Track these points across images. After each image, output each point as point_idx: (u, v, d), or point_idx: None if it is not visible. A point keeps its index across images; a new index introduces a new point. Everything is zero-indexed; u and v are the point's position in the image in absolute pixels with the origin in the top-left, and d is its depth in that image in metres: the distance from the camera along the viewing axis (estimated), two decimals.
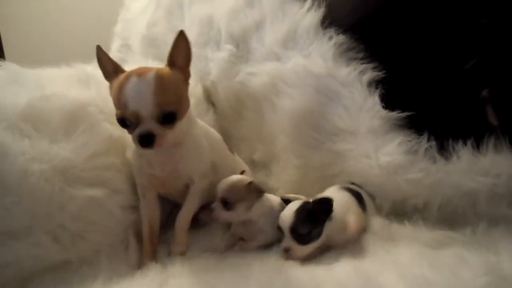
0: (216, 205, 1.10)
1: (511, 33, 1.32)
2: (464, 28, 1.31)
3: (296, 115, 1.36)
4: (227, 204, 1.09)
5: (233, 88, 1.54)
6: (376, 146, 1.23)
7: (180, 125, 1.01)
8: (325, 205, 1.01)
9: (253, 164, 1.55)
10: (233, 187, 1.11)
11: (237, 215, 1.11)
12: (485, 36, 1.31)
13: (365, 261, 1.01)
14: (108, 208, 1.08)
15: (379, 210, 1.24)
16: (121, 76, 0.97)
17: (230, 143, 1.61)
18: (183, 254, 1.09)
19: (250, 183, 1.11)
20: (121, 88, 0.95)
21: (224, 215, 1.10)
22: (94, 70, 1.37)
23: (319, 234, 1.02)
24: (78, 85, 1.23)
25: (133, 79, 0.94)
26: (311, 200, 1.06)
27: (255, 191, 1.12)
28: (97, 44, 1.04)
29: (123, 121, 0.97)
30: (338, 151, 1.31)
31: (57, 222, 0.97)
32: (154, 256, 1.10)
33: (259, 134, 1.51)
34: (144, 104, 0.92)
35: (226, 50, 1.56)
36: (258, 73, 1.46)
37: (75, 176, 1.03)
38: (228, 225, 1.23)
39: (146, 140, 0.94)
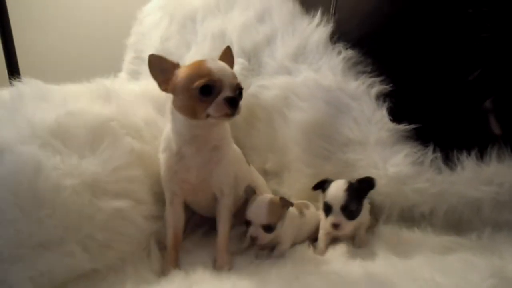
0: (257, 231, 1.14)
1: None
2: (467, 41, 1.37)
3: (307, 127, 1.42)
4: (270, 228, 1.15)
5: (245, 100, 1.55)
6: (384, 157, 1.29)
7: (220, 128, 1.14)
8: (369, 183, 1.18)
9: (265, 173, 1.60)
10: (272, 210, 1.15)
11: (277, 232, 1.17)
12: (489, 48, 1.37)
13: (377, 266, 1.08)
14: (132, 218, 1.14)
15: (388, 217, 1.31)
16: (193, 62, 1.10)
17: (243, 153, 1.68)
18: (229, 270, 1.13)
19: (281, 199, 1.18)
20: (201, 63, 1.07)
21: (267, 237, 1.16)
22: (112, 84, 1.45)
23: (360, 211, 1.19)
24: (99, 101, 1.29)
25: (211, 61, 1.09)
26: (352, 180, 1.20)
27: (285, 206, 1.18)
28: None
29: (206, 89, 1.03)
30: (348, 161, 1.37)
31: (86, 232, 1.03)
32: (177, 263, 1.16)
33: (271, 144, 1.56)
34: (226, 73, 1.07)
35: (238, 63, 1.60)
36: (270, 86, 1.52)
37: (102, 189, 1.08)
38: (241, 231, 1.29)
39: (234, 102, 1.03)
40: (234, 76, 1.10)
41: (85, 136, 1.13)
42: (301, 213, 1.31)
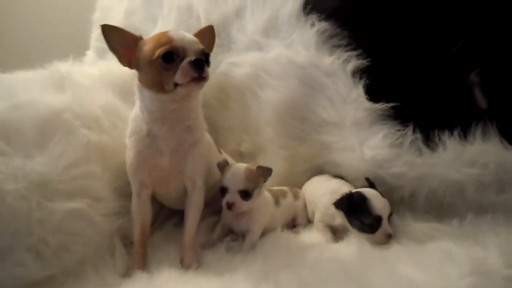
0: (234, 198, 1.10)
1: (501, 10, 1.28)
2: (450, 7, 1.26)
3: (280, 107, 1.33)
4: (246, 194, 1.11)
5: (216, 78, 1.49)
6: (360, 139, 1.20)
7: (192, 105, 1.09)
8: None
9: (241, 156, 1.53)
10: (249, 176, 1.12)
11: (253, 202, 1.13)
12: (474, 15, 1.26)
13: (351, 260, 1.02)
14: (90, 218, 1.06)
15: None
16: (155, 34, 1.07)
17: (217, 134, 1.59)
18: (197, 268, 1.07)
19: (259, 167, 1.14)
20: (163, 33, 1.03)
21: (244, 205, 1.12)
22: (70, 69, 1.34)
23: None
24: (52, 89, 1.19)
25: (174, 31, 1.05)
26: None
27: (263, 175, 1.14)
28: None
29: (169, 56, 0.98)
30: (324, 143, 1.29)
31: (38, 237, 0.95)
32: (144, 261, 1.09)
33: (245, 125, 1.48)
34: (189, 40, 1.02)
35: None
36: (241, 63, 1.42)
37: (53, 189, 0.99)
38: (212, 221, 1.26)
39: (199, 63, 0.98)
40: (198, 43, 1.05)
41: (32, 132, 1.03)
42: (276, 202, 1.25)
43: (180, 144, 1.09)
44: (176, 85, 0.99)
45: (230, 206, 1.11)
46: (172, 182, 1.14)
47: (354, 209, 1.10)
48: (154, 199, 1.21)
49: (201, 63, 0.98)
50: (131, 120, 1.13)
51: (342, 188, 1.17)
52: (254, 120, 1.43)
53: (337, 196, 1.13)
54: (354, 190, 1.14)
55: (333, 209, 1.14)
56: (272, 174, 1.43)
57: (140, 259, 1.09)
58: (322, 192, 1.23)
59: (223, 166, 1.18)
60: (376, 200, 1.09)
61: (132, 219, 1.14)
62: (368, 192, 1.11)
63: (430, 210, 1.17)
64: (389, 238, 1.06)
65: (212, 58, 1.49)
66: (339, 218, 1.16)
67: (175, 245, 1.15)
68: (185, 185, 1.15)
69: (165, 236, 1.24)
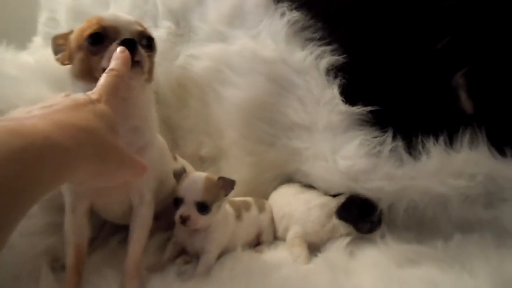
0: (190, 210, 0.95)
1: (489, 5, 1.16)
2: (435, 1, 1.13)
3: (244, 107, 1.18)
4: (204, 207, 0.95)
5: (174, 72, 1.33)
6: (334, 146, 1.06)
7: (138, 100, 0.91)
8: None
9: (202, 160, 1.36)
10: (209, 187, 0.97)
11: (211, 217, 0.98)
12: (460, 10, 1.14)
13: None
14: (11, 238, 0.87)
15: None
16: None
17: (175, 135, 1.42)
18: None
19: (220, 178, 0.99)
20: (94, 16, 0.88)
21: (201, 221, 0.96)
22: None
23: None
24: None
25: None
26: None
27: (224, 188, 0.99)
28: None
29: (96, 37, 0.84)
30: (294, 149, 1.15)
31: None
32: None
33: (206, 126, 1.32)
34: (123, 19, 0.88)
35: (164, 27, 1.33)
36: (201, 56, 1.25)
37: None
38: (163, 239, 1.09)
39: (131, 44, 0.81)
40: (137, 23, 0.90)
41: None
42: (238, 216, 1.09)
43: (126, 148, 0.91)
44: (104, 70, 0.82)
45: (184, 220, 0.95)
46: (114, 193, 0.96)
47: (362, 213, 1.02)
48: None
49: (132, 44, 0.81)
50: None
51: (326, 200, 1.06)
52: (215, 120, 1.27)
53: (327, 209, 1.04)
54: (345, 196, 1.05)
55: (320, 224, 1.04)
56: (237, 183, 1.29)
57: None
58: (301, 205, 1.09)
59: (179, 174, 1.01)
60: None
61: (65, 239, 0.95)
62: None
63: (411, 226, 1.04)
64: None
65: (170, 49, 1.34)
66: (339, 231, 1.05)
67: (117, 269, 0.95)
68: (129, 199, 0.97)
69: (106, 256, 1.04)
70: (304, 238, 1.07)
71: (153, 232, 1.07)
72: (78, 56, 0.86)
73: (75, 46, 0.87)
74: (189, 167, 1.22)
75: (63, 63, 0.92)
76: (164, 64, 1.33)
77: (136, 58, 0.82)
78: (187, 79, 1.30)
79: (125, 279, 0.93)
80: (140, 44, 0.85)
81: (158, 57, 1.33)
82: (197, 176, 1.00)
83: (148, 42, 0.90)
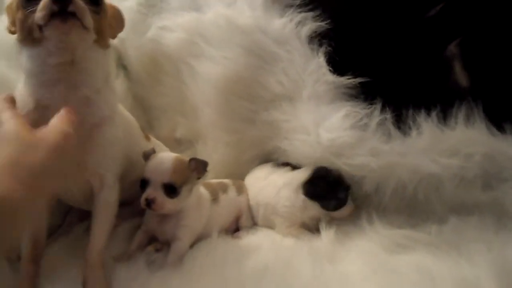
0: (157, 193, 0.87)
1: None
2: None
3: (221, 84, 1.08)
4: (172, 190, 0.87)
5: (145, 47, 1.22)
6: (317, 118, 0.97)
7: (87, 63, 0.81)
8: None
9: (178, 143, 1.27)
10: (178, 168, 0.89)
11: (181, 201, 0.90)
12: None
13: (306, 280, 0.79)
14: None
15: None
16: None
17: (150, 116, 1.33)
18: None
19: (192, 159, 0.92)
20: None
21: (169, 204, 0.88)
22: None
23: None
24: None
25: None
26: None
27: (196, 170, 0.92)
28: None
29: None
30: (274, 122, 1.05)
31: None
32: (33, 284, 0.83)
33: (181, 105, 1.23)
34: None
35: None
36: (173, 27, 1.15)
37: None
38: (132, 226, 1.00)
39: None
40: None
41: None
42: (214, 199, 1.00)
43: (78, 123, 0.81)
44: (41, 28, 0.74)
45: (149, 203, 0.87)
46: (69, 177, 0.87)
47: (329, 188, 0.94)
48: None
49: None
50: (16, 96, 0.84)
51: (290, 178, 0.99)
52: (191, 99, 1.17)
53: (293, 186, 0.97)
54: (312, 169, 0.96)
55: (292, 204, 0.97)
56: (215, 164, 1.20)
57: (29, 280, 0.83)
58: (271, 190, 1.02)
59: (149, 155, 0.93)
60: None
61: None
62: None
63: (402, 210, 0.96)
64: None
65: (141, 21, 1.24)
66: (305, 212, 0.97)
67: (80, 259, 0.87)
68: (88, 183, 0.87)
69: (69, 245, 0.96)
70: (292, 223, 0.99)
71: (122, 218, 1.00)
72: (17, 17, 0.77)
73: (14, 8, 0.78)
74: (164, 150, 1.13)
75: (11, 32, 0.83)
76: (135, 38, 1.23)
77: (70, 9, 0.73)
78: (160, 54, 1.20)
79: (88, 269, 0.85)
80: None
81: (128, 31, 1.25)
82: (165, 156, 0.92)
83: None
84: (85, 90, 0.82)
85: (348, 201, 0.95)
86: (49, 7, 0.72)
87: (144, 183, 0.89)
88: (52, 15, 0.72)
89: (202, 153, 1.21)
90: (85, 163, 0.85)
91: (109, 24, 0.87)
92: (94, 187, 0.88)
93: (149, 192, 0.87)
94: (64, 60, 0.79)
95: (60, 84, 0.80)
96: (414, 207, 0.96)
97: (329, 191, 0.93)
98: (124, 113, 1.00)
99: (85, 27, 0.75)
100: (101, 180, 0.88)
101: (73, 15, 0.73)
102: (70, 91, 0.81)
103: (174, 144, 1.27)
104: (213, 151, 1.18)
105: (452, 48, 1.05)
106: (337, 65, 0.99)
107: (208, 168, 1.17)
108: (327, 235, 0.91)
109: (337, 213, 0.96)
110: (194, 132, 1.22)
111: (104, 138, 0.86)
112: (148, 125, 1.32)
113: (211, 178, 1.14)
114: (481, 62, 1.04)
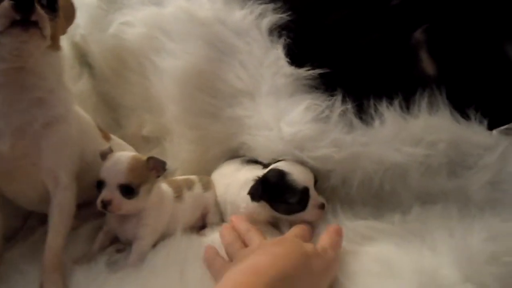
0: (113, 195, 0.84)
1: None
2: None
3: (183, 78, 1.05)
4: (129, 190, 0.85)
5: (108, 43, 1.20)
6: (277, 112, 0.95)
7: (39, 65, 0.80)
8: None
9: (146, 141, 1.25)
10: (134, 167, 0.86)
11: (141, 202, 0.88)
12: None
13: None
14: None
15: None
16: None
17: (118, 114, 1.30)
18: None
19: (150, 158, 0.89)
20: None
21: (126, 205, 0.85)
22: None
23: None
24: None
25: None
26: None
27: (155, 170, 0.89)
28: None
29: None
30: (237, 118, 1.03)
31: None
32: None
33: (147, 102, 1.20)
34: None
35: None
36: (134, 22, 1.12)
37: None
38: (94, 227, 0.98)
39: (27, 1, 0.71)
40: None
41: None
42: (178, 196, 0.98)
43: (28, 123, 0.80)
44: None
45: (106, 205, 0.84)
46: (22, 178, 0.85)
47: (274, 192, 0.90)
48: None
49: (28, 2, 0.70)
50: None
51: (250, 176, 0.93)
52: (155, 95, 1.15)
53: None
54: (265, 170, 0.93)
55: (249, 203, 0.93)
56: (182, 161, 1.18)
57: None
58: (235, 188, 0.99)
59: (106, 155, 0.90)
60: (296, 170, 0.90)
61: None
62: (282, 165, 0.91)
63: (369, 202, 0.94)
64: (322, 208, 0.90)
65: (102, 17, 1.21)
66: (264, 212, 0.94)
67: (39, 262, 0.85)
68: (42, 184, 0.85)
69: (28, 250, 0.93)
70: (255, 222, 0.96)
71: (83, 220, 0.98)
72: None
73: None
74: (124, 148, 1.10)
75: None
76: (97, 34, 1.20)
77: (33, 18, 0.71)
78: (123, 50, 1.17)
79: (44, 273, 0.83)
80: (39, 3, 0.74)
81: (90, 27, 1.22)
82: (121, 156, 0.88)
83: (49, 2, 0.77)
84: (37, 92, 0.80)
85: (308, 208, 0.89)
86: (10, 15, 0.69)
87: (100, 184, 0.86)
88: (12, 23, 0.70)
89: (170, 151, 1.18)
90: (38, 162, 0.83)
91: (61, 24, 0.85)
92: (49, 187, 0.86)
93: (105, 194, 0.84)
94: (15, 66, 0.77)
95: (8, 87, 0.78)
96: (381, 198, 0.94)
97: (278, 195, 0.89)
98: (79, 112, 0.97)
99: (43, 36, 0.73)
100: (55, 180, 0.86)
101: (35, 24, 0.71)
102: (20, 95, 0.79)
103: (142, 142, 1.25)
104: (179, 149, 1.16)
105: (418, 35, 1.03)
106: (296, 57, 0.97)
107: (175, 166, 1.17)
108: (292, 231, 0.89)
109: (293, 217, 0.91)
110: (161, 129, 1.20)
111: (57, 136, 0.84)
112: (116, 124, 1.29)
113: (179, 175, 1.13)
114: (447, 48, 1.03)
